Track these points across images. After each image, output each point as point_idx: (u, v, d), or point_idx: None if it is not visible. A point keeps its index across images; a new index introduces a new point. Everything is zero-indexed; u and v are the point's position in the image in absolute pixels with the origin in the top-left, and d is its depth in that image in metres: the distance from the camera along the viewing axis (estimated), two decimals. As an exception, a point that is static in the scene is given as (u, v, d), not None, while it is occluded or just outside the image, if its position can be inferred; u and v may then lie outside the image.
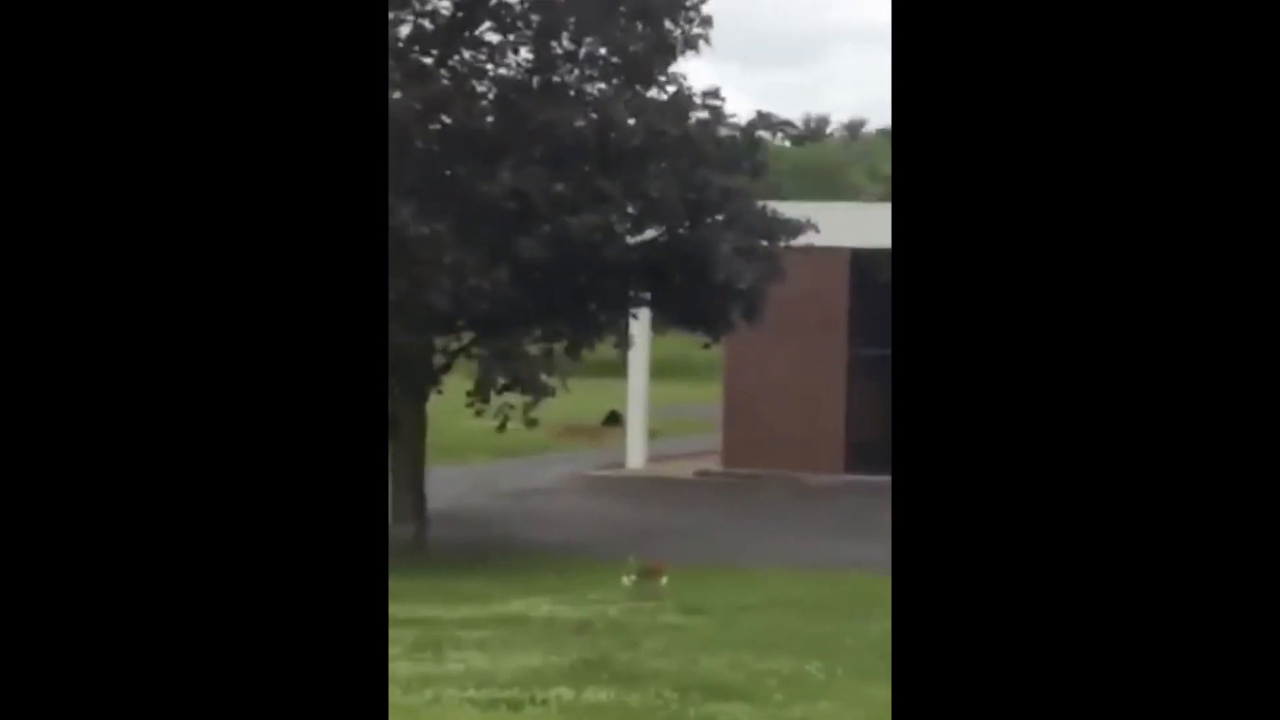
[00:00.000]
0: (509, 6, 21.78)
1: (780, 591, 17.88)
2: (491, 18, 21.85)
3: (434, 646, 12.56)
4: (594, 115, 21.72)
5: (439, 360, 22.99)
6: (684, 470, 33.99)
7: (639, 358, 32.51)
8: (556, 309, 22.21)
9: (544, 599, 16.53)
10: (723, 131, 22.71)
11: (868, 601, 15.21)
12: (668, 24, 22.03)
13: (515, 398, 21.82)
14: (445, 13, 21.82)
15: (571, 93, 22.01)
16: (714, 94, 22.44)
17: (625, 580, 16.87)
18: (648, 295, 23.13)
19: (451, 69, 21.96)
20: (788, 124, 24.66)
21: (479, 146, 21.48)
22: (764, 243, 22.49)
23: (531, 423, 21.66)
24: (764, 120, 23.43)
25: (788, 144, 74.23)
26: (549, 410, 22.69)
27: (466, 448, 33.22)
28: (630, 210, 21.68)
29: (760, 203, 22.86)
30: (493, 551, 22.95)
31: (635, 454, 35.05)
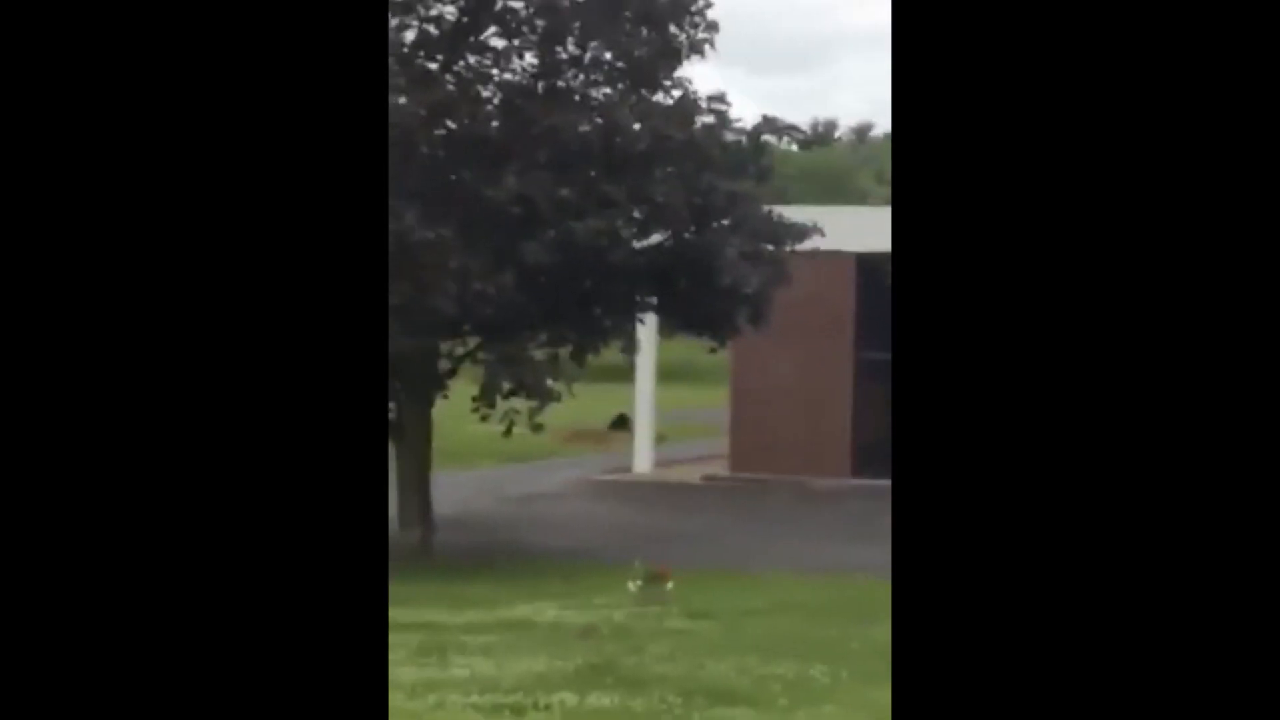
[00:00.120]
0: (514, 11, 21.79)
1: (786, 596, 17.87)
2: (496, 23, 21.86)
3: (439, 651, 12.55)
4: (599, 120, 21.73)
5: (444, 365, 23.00)
6: (691, 475, 33.98)
7: (645, 362, 32.53)
8: (562, 314, 22.21)
9: (549, 604, 16.53)
10: (728, 136, 22.71)
11: (873, 605, 15.17)
12: (673, 29, 22.03)
13: (521, 403, 21.82)
14: (450, 18, 21.83)
15: (576, 97, 22.00)
16: (719, 98, 22.45)
17: (631, 585, 16.86)
18: (653, 300, 23.13)
19: (456, 74, 21.96)
20: (793, 128, 24.60)
21: (484, 151, 21.48)
22: (769, 247, 22.48)
23: (537, 428, 21.66)
24: (769, 124, 23.42)
25: (794, 148, 74.20)
26: (555, 415, 22.69)
27: (473, 453, 33.23)
28: (635, 215, 21.67)
29: (766, 207, 22.85)
30: (499, 556, 22.95)
31: (642, 459, 35.05)
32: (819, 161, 79.47)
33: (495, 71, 22.17)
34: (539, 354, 22.47)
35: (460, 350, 23.13)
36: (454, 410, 23.52)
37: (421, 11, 21.68)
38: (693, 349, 29.85)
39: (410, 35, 21.65)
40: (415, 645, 12.65)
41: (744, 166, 23.05)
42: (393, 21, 21.07)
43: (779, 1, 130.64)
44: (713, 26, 22.19)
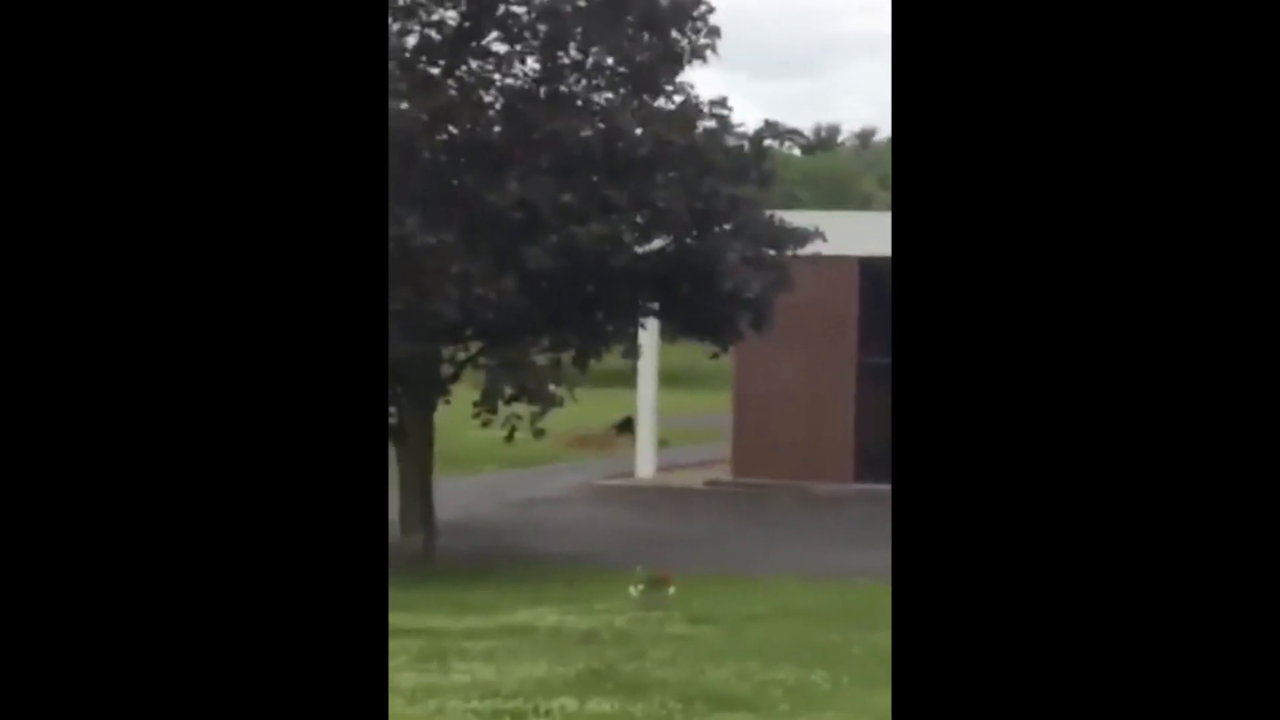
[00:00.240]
0: (516, 16, 21.80)
1: (788, 601, 17.86)
2: (498, 28, 21.87)
3: (439, 657, 12.55)
4: (601, 125, 21.74)
5: (446, 370, 23.00)
6: (693, 480, 33.96)
7: (648, 367, 32.51)
8: (564, 319, 22.21)
9: (551, 609, 16.52)
10: (730, 141, 22.72)
11: (875, 610, 15.15)
12: (674, 34, 22.05)
13: (522, 408, 21.81)
14: (452, 23, 21.84)
15: (578, 102, 22.02)
16: (721, 103, 22.47)
17: (633, 590, 16.85)
18: (655, 305, 23.13)
19: (458, 79, 21.97)
20: (795, 133, 24.73)
21: (486, 156, 21.49)
22: (771, 252, 22.48)
23: (538, 433, 21.66)
24: (771, 129, 23.50)
25: (798, 153, 74.31)
26: (558, 420, 22.68)
27: (476, 458, 33.22)
28: (637, 220, 21.68)
29: (768, 212, 22.86)
30: (501, 561, 22.94)
31: (644, 463, 35.04)
32: (822, 166, 79.45)
33: (497, 76, 22.19)
34: (541, 359, 22.47)
35: (462, 355, 23.13)
36: (456, 415, 23.52)
37: (423, 16, 21.70)
38: (695, 354, 29.82)
39: (412, 40, 21.67)
40: (416, 650, 12.65)
41: (746, 171, 23.08)
42: (394, 26, 21.09)
43: (783, 6, 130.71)
44: (714, 31, 22.22)
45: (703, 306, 22.44)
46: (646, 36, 21.97)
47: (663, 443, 36.18)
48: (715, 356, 25.13)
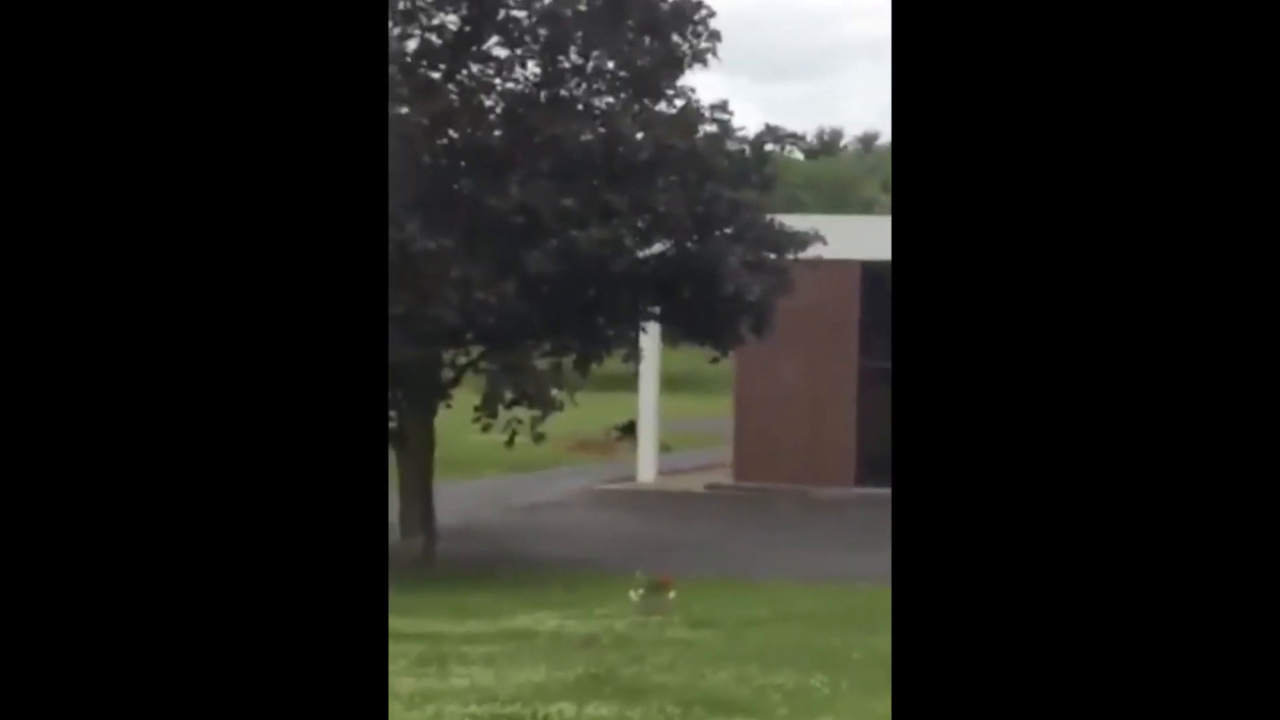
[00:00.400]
0: (516, 21, 21.81)
1: (789, 605, 17.85)
2: (499, 32, 21.88)
3: (439, 662, 12.54)
4: (602, 129, 21.76)
5: (447, 374, 23.01)
6: (695, 484, 34.00)
7: (649, 371, 32.56)
8: (565, 323, 22.22)
9: (551, 614, 16.52)
10: (731, 145, 22.73)
11: (875, 615, 15.14)
12: (675, 38, 22.07)
13: (523, 412, 21.82)
14: (453, 27, 21.86)
15: (579, 106, 22.04)
16: (722, 107, 22.49)
17: (633, 595, 16.83)
18: (656, 309, 23.15)
19: (459, 83, 21.98)
20: (796, 137, 24.64)
21: (486, 160, 21.51)
22: (772, 256, 22.48)
23: (538, 438, 21.67)
24: (772, 133, 23.44)
25: (800, 156, 74.37)
26: (559, 424, 22.70)
27: (478, 462, 33.25)
28: (638, 224, 21.68)
29: (768, 216, 22.87)
30: (501, 566, 22.94)
31: (646, 468, 35.07)
32: (825, 170, 79.57)
33: (498, 81, 22.20)
34: (542, 363, 22.49)
35: (463, 359, 23.15)
36: (458, 420, 23.54)
37: (424, 21, 21.71)
38: (696, 358, 29.85)
39: (413, 44, 21.68)
40: (415, 655, 12.64)
41: (747, 175, 23.08)
42: (395, 31, 21.10)
43: (784, 9, 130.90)
44: (715, 35, 22.24)
45: (704, 310, 22.45)
46: (647, 40, 21.99)
47: (664, 447, 36.20)
48: (716, 361, 25.13)
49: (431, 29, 21.79)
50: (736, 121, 22.58)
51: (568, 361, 22.65)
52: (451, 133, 21.75)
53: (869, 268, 31.41)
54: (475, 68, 22.10)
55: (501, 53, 22.06)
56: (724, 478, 33.98)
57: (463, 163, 21.87)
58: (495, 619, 16.20)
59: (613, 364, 24.66)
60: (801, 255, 22.91)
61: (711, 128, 22.34)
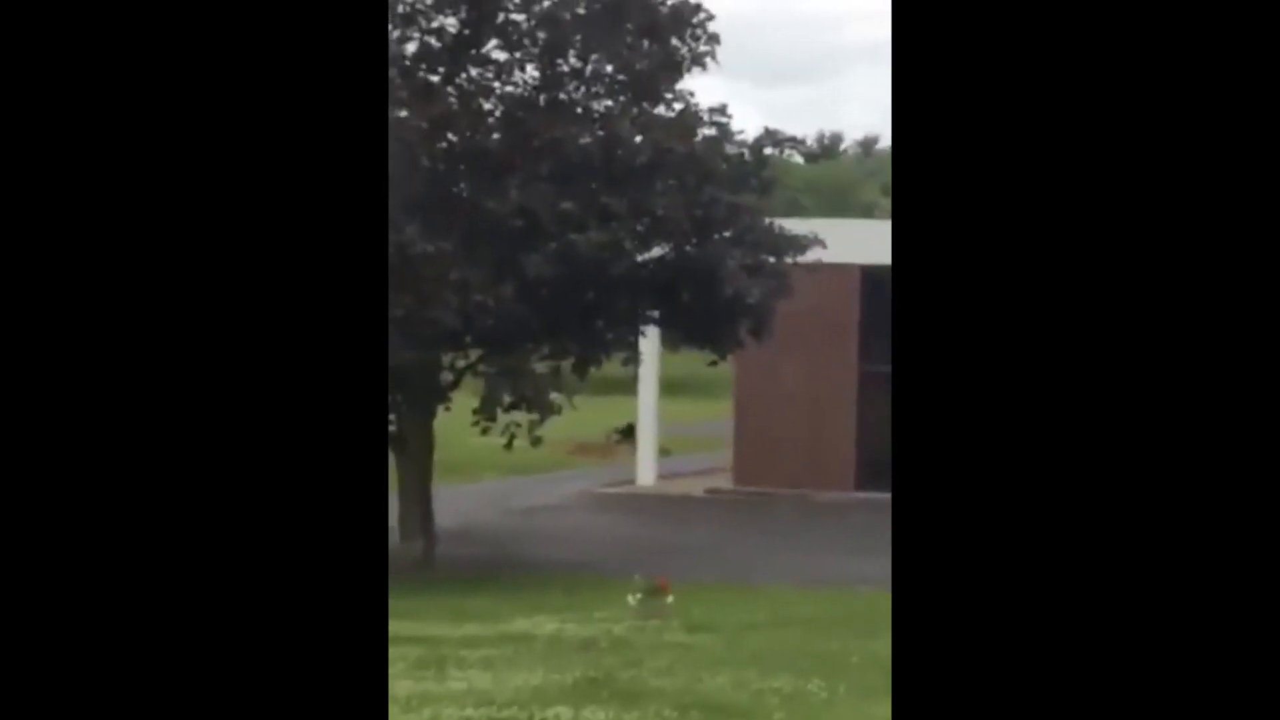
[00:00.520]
0: (516, 24, 21.82)
1: (787, 609, 17.85)
2: (498, 35, 21.89)
3: (437, 665, 12.54)
4: (601, 132, 21.76)
5: (446, 377, 23.01)
6: (694, 488, 34.00)
7: (649, 375, 32.55)
8: (563, 326, 22.22)
9: (550, 617, 16.51)
10: (730, 148, 22.73)
11: (875, 619, 15.14)
12: (674, 41, 22.07)
13: (522, 415, 21.82)
14: (452, 31, 21.86)
15: (578, 110, 22.04)
16: (721, 110, 22.51)
17: (631, 598, 16.83)
18: (655, 312, 23.14)
19: (458, 87, 21.99)
20: (796, 140, 24.64)
21: (486, 164, 21.52)
22: (771, 259, 22.48)
23: (536, 441, 21.67)
24: (772, 137, 23.44)
25: (801, 160, 74.37)
26: (559, 428, 22.71)
27: (478, 465, 33.25)
28: (637, 227, 21.68)
29: (768, 219, 22.87)
30: (500, 569, 22.94)
31: (645, 471, 35.08)
32: (825, 174, 79.59)
33: (497, 84, 22.21)
34: (540, 366, 22.50)
35: (462, 362, 23.14)
36: (457, 422, 23.54)
37: (423, 24, 21.72)
38: (695, 362, 29.85)
39: (412, 48, 21.69)
40: (414, 658, 12.64)
41: (746, 179, 23.08)
42: (394, 34, 21.10)
43: (784, 13, 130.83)
44: (714, 39, 22.24)
45: (703, 314, 22.45)
46: (646, 44, 21.99)
47: (663, 451, 36.20)
48: (714, 364, 25.12)
49: (431, 32, 21.80)
50: (736, 125, 22.67)
51: (566, 365, 22.65)
52: (451, 136, 21.76)
53: (869, 271, 31.42)
54: (474, 71, 22.11)
55: (501, 56, 22.07)
56: (723, 481, 33.99)
57: (462, 166, 21.88)
58: (494, 622, 16.20)
59: (612, 367, 24.65)
60: (801, 259, 22.90)
61: (711, 131, 22.34)
